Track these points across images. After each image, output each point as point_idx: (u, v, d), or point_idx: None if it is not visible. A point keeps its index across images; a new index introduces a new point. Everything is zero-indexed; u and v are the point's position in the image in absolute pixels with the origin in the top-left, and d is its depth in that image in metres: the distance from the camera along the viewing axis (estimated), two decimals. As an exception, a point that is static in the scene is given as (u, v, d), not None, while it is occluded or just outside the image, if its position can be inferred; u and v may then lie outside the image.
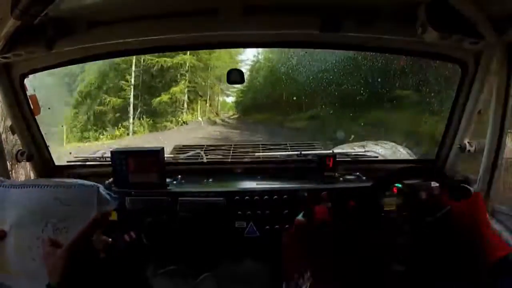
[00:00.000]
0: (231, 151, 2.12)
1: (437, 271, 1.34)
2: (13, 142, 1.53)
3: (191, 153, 2.02)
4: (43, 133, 1.64)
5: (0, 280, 0.80)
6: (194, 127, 12.29)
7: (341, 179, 1.60)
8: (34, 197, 0.90)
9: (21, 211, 0.87)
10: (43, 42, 1.23)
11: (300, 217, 0.87)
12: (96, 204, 0.94)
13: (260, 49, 12.51)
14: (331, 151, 2.14)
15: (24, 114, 1.54)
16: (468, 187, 1.17)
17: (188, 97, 12.67)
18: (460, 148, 1.48)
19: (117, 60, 10.73)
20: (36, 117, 1.59)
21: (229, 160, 1.97)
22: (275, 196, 1.44)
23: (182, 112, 12.49)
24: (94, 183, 0.98)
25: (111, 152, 1.54)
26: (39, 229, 0.86)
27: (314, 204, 1.31)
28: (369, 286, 1.30)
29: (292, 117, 11.44)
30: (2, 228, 0.82)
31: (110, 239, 1.20)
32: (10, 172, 1.49)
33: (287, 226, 1.42)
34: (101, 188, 0.98)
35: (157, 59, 11.43)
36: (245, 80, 1.67)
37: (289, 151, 2.10)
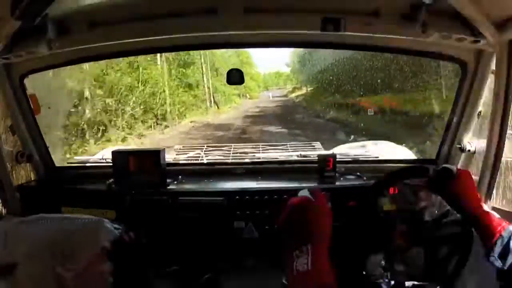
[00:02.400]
0: (231, 152, 2.12)
1: (437, 270, 1.34)
2: (13, 143, 1.53)
3: (191, 153, 2.02)
4: (43, 134, 1.64)
5: None
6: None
7: (341, 179, 1.60)
8: (42, 230, 0.98)
9: (31, 244, 0.93)
10: (43, 42, 1.23)
11: (306, 193, 0.83)
12: (100, 236, 1.03)
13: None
14: (331, 151, 2.14)
15: (24, 114, 1.54)
16: (450, 166, 1.14)
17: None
18: (460, 148, 1.48)
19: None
20: (36, 117, 1.59)
21: (229, 160, 1.97)
22: (275, 196, 1.44)
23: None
24: (99, 218, 1.06)
25: (112, 152, 1.54)
26: (49, 258, 0.93)
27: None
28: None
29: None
30: (14, 260, 0.88)
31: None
32: (10, 174, 1.49)
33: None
34: (105, 222, 1.06)
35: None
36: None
37: (289, 152, 2.10)
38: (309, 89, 17.87)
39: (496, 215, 1.05)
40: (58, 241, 0.94)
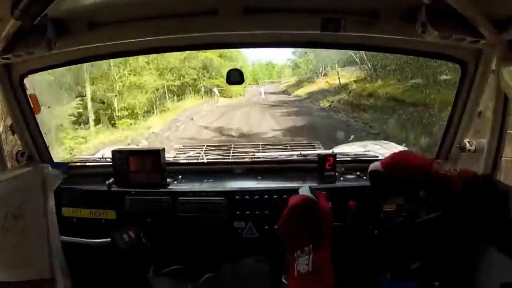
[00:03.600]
0: (231, 151, 2.13)
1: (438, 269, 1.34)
2: (13, 143, 1.54)
3: (191, 153, 2.02)
4: (43, 134, 1.64)
5: None
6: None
7: (341, 178, 1.60)
8: None
9: None
10: (43, 42, 1.23)
11: (306, 191, 0.83)
12: (41, 183, 1.06)
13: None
14: (331, 151, 2.14)
15: (24, 114, 1.54)
16: (373, 167, 1.12)
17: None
18: (460, 148, 1.48)
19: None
20: (36, 116, 1.59)
21: (229, 160, 1.97)
22: (275, 196, 1.44)
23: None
24: (42, 164, 1.12)
25: (112, 152, 1.54)
26: (2, 221, 0.99)
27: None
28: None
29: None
30: None
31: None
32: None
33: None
34: (48, 167, 1.11)
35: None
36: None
37: (289, 151, 2.10)
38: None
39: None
40: (9, 202, 1.02)
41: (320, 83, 18.24)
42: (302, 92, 19.00)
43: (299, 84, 20.15)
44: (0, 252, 1.01)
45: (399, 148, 2.55)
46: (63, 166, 1.18)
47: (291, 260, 0.72)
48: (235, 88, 17.49)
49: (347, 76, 16.12)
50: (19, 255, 1.03)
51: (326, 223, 0.78)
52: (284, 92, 19.63)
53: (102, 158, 1.84)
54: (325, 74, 18.71)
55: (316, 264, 0.68)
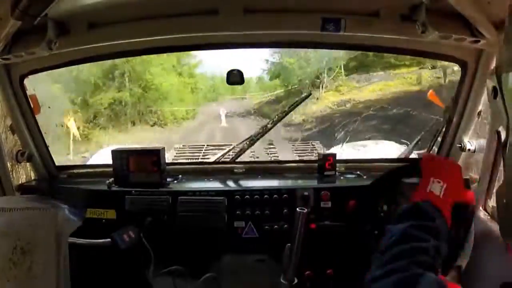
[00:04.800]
0: (231, 151, 2.13)
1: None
2: (13, 143, 1.54)
3: (191, 152, 2.02)
4: (43, 133, 1.64)
5: None
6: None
7: (341, 178, 1.60)
8: (6, 221, 0.98)
9: None
10: (43, 42, 1.23)
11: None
12: (57, 226, 1.05)
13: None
14: (331, 151, 2.14)
15: (24, 114, 1.54)
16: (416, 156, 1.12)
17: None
18: (461, 148, 1.48)
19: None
20: (36, 116, 1.59)
21: (229, 159, 1.97)
22: (275, 195, 1.44)
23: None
24: (59, 204, 1.09)
25: (112, 151, 1.54)
26: (10, 253, 0.96)
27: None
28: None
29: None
30: None
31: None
32: (10, 173, 1.49)
33: (286, 226, 1.42)
34: (66, 209, 1.08)
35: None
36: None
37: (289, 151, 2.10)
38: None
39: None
40: (20, 233, 0.99)
41: (326, 99, 13.49)
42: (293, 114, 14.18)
43: (280, 101, 14.19)
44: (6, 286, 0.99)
45: (399, 147, 2.54)
46: (79, 212, 1.16)
47: (424, 184, 0.89)
48: (180, 110, 13.46)
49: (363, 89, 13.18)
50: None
51: (459, 181, 0.96)
52: (255, 113, 14.17)
53: (102, 158, 1.84)
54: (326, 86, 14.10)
55: (446, 194, 0.87)
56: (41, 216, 1.02)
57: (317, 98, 13.27)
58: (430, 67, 11.97)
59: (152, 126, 12.48)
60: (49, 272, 1.02)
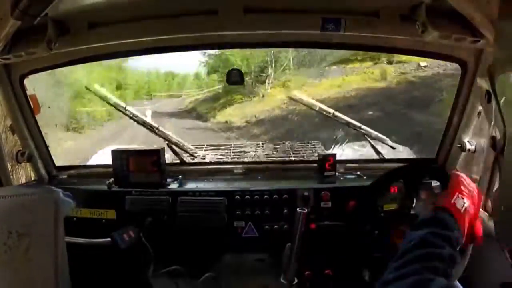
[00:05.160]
0: (231, 151, 2.13)
1: None
2: (13, 143, 1.53)
3: (191, 153, 2.02)
4: (43, 133, 1.64)
5: None
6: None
7: (341, 178, 1.60)
8: (2, 207, 1.00)
9: None
10: (43, 42, 1.23)
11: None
12: (53, 208, 1.04)
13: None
14: (331, 151, 2.14)
15: (24, 114, 1.54)
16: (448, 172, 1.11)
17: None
18: (460, 147, 1.48)
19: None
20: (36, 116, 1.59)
21: (229, 160, 1.97)
22: (275, 196, 1.45)
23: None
24: (54, 189, 1.07)
25: (112, 152, 1.54)
26: (5, 237, 0.97)
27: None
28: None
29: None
30: None
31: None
32: (10, 174, 1.49)
33: (286, 226, 1.42)
34: (60, 193, 1.07)
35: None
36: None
37: (289, 151, 2.10)
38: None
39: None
40: (14, 219, 1.00)
41: (273, 98, 11.30)
42: (233, 114, 11.20)
43: (218, 98, 12.45)
44: (1, 271, 1.00)
45: (399, 147, 2.54)
46: (73, 194, 1.18)
47: (451, 196, 0.92)
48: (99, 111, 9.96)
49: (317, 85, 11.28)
50: (21, 276, 1.01)
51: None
52: (191, 112, 12.45)
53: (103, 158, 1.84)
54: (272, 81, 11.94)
55: (470, 208, 0.91)
56: (36, 200, 1.04)
57: (263, 96, 11.46)
58: (386, 62, 11.73)
59: (67, 131, 9.37)
60: (47, 254, 1.03)
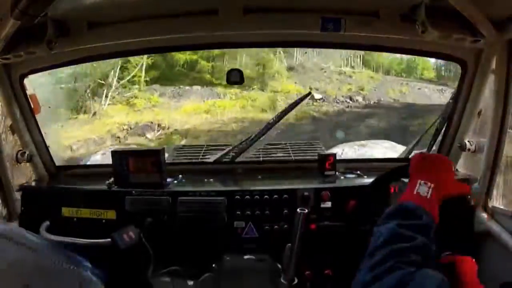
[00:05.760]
0: (231, 151, 2.12)
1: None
2: (13, 143, 1.53)
3: (191, 152, 2.02)
4: (43, 133, 1.64)
5: None
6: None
7: (341, 178, 1.60)
8: (23, 258, 0.90)
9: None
10: (43, 42, 1.23)
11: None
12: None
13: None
14: (331, 151, 2.14)
15: (24, 114, 1.54)
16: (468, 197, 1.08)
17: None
18: (460, 147, 1.48)
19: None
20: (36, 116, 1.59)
21: (230, 159, 1.97)
22: (275, 196, 1.44)
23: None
24: (80, 262, 0.97)
25: (112, 152, 1.54)
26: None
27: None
28: None
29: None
30: None
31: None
32: (10, 174, 1.49)
33: (286, 226, 1.42)
34: (85, 270, 0.99)
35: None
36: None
37: (289, 151, 2.10)
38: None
39: None
40: (31, 278, 0.88)
41: (108, 120, 8.30)
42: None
43: None
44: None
45: (399, 147, 2.54)
46: (103, 273, 1.06)
47: (412, 183, 0.89)
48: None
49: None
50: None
51: (450, 180, 0.94)
52: None
53: (103, 158, 1.84)
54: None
55: (433, 196, 0.85)
56: (60, 274, 0.93)
57: (94, 114, 8.02)
58: (259, 88, 11.70)
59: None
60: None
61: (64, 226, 1.44)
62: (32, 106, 1.56)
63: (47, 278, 0.89)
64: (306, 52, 12.75)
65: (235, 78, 1.61)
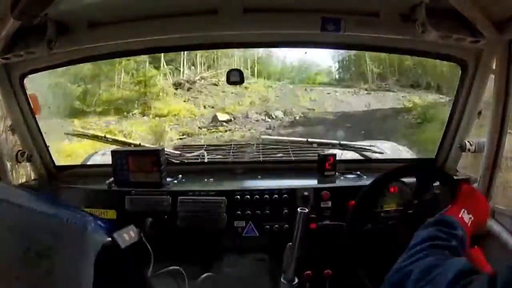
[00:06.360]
0: (231, 151, 2.13)
1: None
2: (13, 143, 1.53)
3: (191, 152, 2.02)
4: (43, 133, 1.64)
5: None
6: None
7: (341, 178, 1.60)
8: (17, 218, 0.87)
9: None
10: (43, 42, 1.23)
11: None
12: (79, 244, 0.92)
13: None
14: (331, 151, 2.14)
15: (24, 114, 1.54)
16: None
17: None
18: (460, 148, 1.48)
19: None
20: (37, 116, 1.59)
21: (230, 159, 1.97)
22: (275, 195, 1.45)
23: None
24: (86, 216, 0.94)
25: (112, 151, 1.54)
26: (21, 252, 0.84)
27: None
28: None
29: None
30: None
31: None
32: (10, 173, 1.49)
33: (286, 225, 1.42)
34: (92, 223, 0.94)
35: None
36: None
37: (289, 151, 2.10)
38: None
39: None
40: (35, 237, 0.86)
41: None
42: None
43: None
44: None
45: (399, 147, 2.54)
46: (109, 224, 1.02)
47: (458, 208, 0.97)
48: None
49: None
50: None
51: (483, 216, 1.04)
52: None
53: (102, 157, 1.84)
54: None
55: (472, 223, 0.94)
56: (65, 227, 0.89)
57: None
58: (140, 113, 9.22)
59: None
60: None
61: None
62: (32, 106, 1.56)
63: (47, 231, 0.87)
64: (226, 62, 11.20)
65: (235, 78, 1.61)
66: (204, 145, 2.28)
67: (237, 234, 1.45)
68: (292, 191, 1.45)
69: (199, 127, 9.30)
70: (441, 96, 9.74)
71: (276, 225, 1.44)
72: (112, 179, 1.53)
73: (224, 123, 9.41)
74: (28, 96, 1.53)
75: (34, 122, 1.58)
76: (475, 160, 1.51)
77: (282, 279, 1.26)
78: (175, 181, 1.58)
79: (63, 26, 1.28)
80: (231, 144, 2.27)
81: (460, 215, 0.94)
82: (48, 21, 1.22)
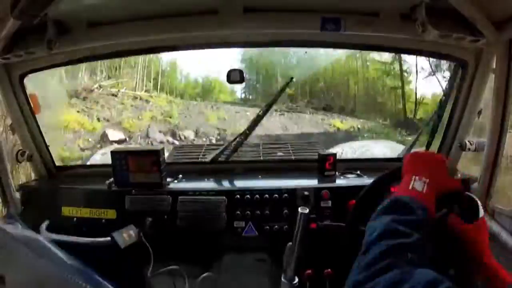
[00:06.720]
0: (228, 148, 2.12)
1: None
2: (13, 143, 1.54)
3: (191, 152, 2.02)
4: (43, 133, 1.64)
5: None
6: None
7: (341, 177, 1.60)
8: (45, 274, 0.86)
9: (26, 279, 0.82)
10: (43, 42, 1.23)
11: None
12: None
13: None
14: (331, 150, 2.14)
15: (25, 114, 1.54)
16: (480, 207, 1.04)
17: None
18: (460, 147, 1.48)
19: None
20: (37, 116, 1.59)
21: (230, 159, 1.97)
22: (275, 195, 1.45)
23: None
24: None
25: (111, 152, 1.54)
26: None
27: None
28: None
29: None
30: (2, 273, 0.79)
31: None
32: (10, 173, 1.49)
33: (286, 225, 1.42)
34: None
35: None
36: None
37: (289, 150, 2.10)
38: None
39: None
40: None
41: None
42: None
43: None
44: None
45: (400, 147, 2.54)
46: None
47: (407, 179, 0.88)
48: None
49: None
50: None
51: (443, 176, 0.91)
52: None
53: (102, 158, 1.84)
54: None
55: (428, 191, 0.84)
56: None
57: None
58: None
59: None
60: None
61: (64, 226, 1.44)
62: (32, 106, 1.56)
63: None
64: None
65: (235, 78, 1.61)
66: (204, 144, 2.28)
67: (237, 234, 1.45)
68: (292, 190, 1.45)
69: (81, 149, 7.93)
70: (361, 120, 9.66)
71: (276, 225, 1.44)
72: (112, 179, 1.53)
73: (115, 144, 7.76)
74: (28, 95, 1.53)
75: (34, 121, 1.58)
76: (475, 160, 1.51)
77: (282, 279, 1.26)
78: (175, 181, 1.58)
79: (63, 26, 1.28)
80: (231, 144, 2.27)
81: (411, 186, 0.84)
82: (48, 21, 1.22)
